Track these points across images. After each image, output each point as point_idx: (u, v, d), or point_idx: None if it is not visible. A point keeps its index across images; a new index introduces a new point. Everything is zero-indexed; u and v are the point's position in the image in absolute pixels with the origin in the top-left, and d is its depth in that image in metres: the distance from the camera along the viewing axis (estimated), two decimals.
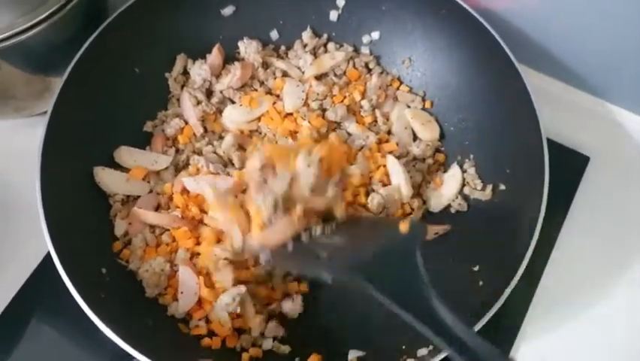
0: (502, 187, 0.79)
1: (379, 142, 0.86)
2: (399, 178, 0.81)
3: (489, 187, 0.80)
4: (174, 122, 0.86)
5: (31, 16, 0.73)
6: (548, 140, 0.74)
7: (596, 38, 0.84)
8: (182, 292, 0.74)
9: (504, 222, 0.75)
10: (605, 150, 0.90)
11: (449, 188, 0.83)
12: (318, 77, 0.91)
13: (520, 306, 0.80)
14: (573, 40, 0.87)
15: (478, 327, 0.64)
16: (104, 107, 0.82)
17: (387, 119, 0.88)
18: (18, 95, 0.85)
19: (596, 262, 0.83)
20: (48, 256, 0.79)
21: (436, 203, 0.83)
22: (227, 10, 0.90)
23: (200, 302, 0.74)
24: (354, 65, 0.92)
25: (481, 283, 0.71)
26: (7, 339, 0.79)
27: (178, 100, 0.89)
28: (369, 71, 0.92)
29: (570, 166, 0.88)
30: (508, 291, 0.66)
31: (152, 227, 0.79)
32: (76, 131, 0.78)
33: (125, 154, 0.82)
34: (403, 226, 0.66)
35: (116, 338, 0.64)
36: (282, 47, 0.94)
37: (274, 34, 0.93)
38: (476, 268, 0.73)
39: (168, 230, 0.78)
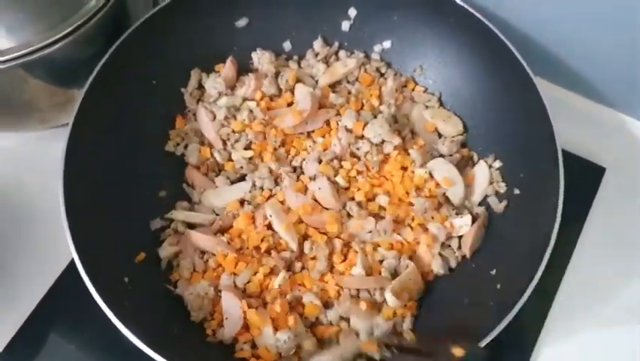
0: (517, 191, 0.80)
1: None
2: (456, 178, 0.82)
3: (503, 202, 0.81)
4: (192, 148, 0.87)
5: (55, 31, 0.75)
6: (564, 151, 0.75)
7: (612, 50, 0.85)
8: (226, 318, 0.74)
9: (520, 229, 0.76)
10: (621, 161, 0.91)
11: (480, 183, 0.83)
12: (332, 86, 0.92)
13: (538, 315, 0.80)
14: (588, 51, 0.88)
15: (497, 331, 0.65)
16: (123, 117, 0.83)
17: (408, 120, 0.89)
18: (42, 107, 0.86)
19: (613, 272, 0.84)
20: (69, 267, 0.83)
21: (472, 199, 0.83)
22: (241, 22, 0.92)
23: (246, 326, 0.74)
24: (365, 71, 0.93)
25: (499, 286, 0.72)
26: (29, 348, 0.80)
27: (194, 115, 0.90)
28: (382, 75, 0.93)
29: (586, 177, 0.89)
30: (525, 296, 0.66)
31: (202, 253, 0.81)
32: (98, 141, 0.79)
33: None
34: (458, 351, 0.64)
35: (141, 345, 0.64)
36: (295, 57, 0.95)
37: (287, 45, 0.95)
38: (493, 272, 0.74)
39: (214, 255, 0.79)
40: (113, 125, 0.82)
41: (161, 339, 0.67)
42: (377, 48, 0.93)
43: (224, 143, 0.87)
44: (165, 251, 0.80)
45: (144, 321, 0.69)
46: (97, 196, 0.77)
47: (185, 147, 0.88)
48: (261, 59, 0.92)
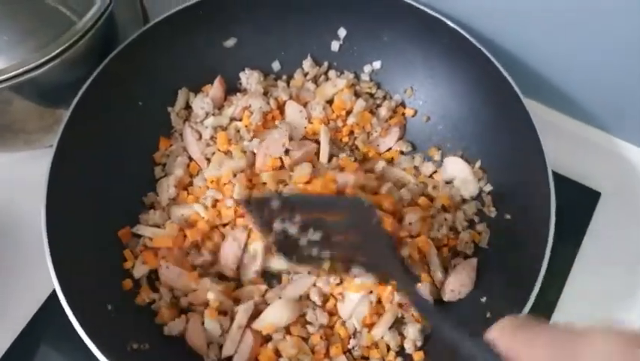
0: (508, 217, 0.79)
1: None
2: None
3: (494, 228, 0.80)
4: (179, 161, 0.85)
5: (43, 52, 0.73)
6: (558, 175, 0.75)
7: (604, 72, 0.84)
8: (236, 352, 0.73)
9: (511, 255, 0.75)
10: (616, 185, 0.89)
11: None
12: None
13: None
14: (580, 74, 0.87)
15: None
16: (109, 140, 0.82)
17: None
18: (28, 129, 0.85)
19: (609, 298, 0.82)
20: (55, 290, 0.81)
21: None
22: (230, 42, 0.91)
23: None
24: (355, 93, 0.92)
25: (488, 315, 0.71)
26: None
27: (181, 135, 0.88)
28: (372, 96, 0.93)
29: (581, 202, 0.88)
30: None
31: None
32: (82, 164, 0.78)
33: None
34: None
35: None
36: (284, 77, 0.94)
37: (276, 65, 0.94)
38: (484, 300, 0.73)
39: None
40: (99, 148, 0.81)
41: None
42: (367, 69, 0.93)
43: (209, 162, 0.85)
44: (139, 271, 0.78)
45: (126, 350, 0.68)
46: (81, 220, 0.76)
47: (168, 156, 0.87)
48: (250, 78, 0.91)
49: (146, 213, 0.83)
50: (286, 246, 0.71)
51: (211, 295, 0.74)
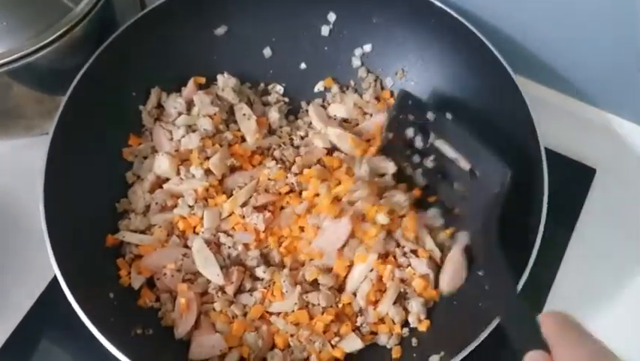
0: None
1: None
2: None
3: None
4: (148, 164, 0.84)
5: (40, 38, 0.74)
6: (554, 153, 0.75)
7: (596, 48, 0.84)
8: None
9: (506, 228, 0.75)
10: (612, 162, 0.90)
11: None
12: None
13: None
14: (574, 51, 0.87)
15: (487, 331, 0.65)
16: (104, 128, 0.83)
17: None
18: (28, 115, 0.86)
19: (605, 276, 0.83)
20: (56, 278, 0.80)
21: None
22: (220, 30, 0.91)
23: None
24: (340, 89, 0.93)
25: (486, 287, 0.72)
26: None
27: (151, 134, 0.87)
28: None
29: (576, 178, 0.89)
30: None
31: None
32: (80, 150, 0.79)
33: None
34: None
35: None
36: (261, 85, 0.94)
37: (267, 52, 0.94)
38: (481, 273, 0.74)
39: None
40: (95, 135, 0.81)
41: (149, 356, 0.67)
42: (358, 52, 0.93)
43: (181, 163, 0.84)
44: (137, 281, 0.76)
45: (130, 337, 0.69)
46: (80, 206, 0.76)
47: (145, 158, 0.85)
48: (226, 83, 0.89)
49: (125, 220, 0.80)
50: (394, 153, 0.80)
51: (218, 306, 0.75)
